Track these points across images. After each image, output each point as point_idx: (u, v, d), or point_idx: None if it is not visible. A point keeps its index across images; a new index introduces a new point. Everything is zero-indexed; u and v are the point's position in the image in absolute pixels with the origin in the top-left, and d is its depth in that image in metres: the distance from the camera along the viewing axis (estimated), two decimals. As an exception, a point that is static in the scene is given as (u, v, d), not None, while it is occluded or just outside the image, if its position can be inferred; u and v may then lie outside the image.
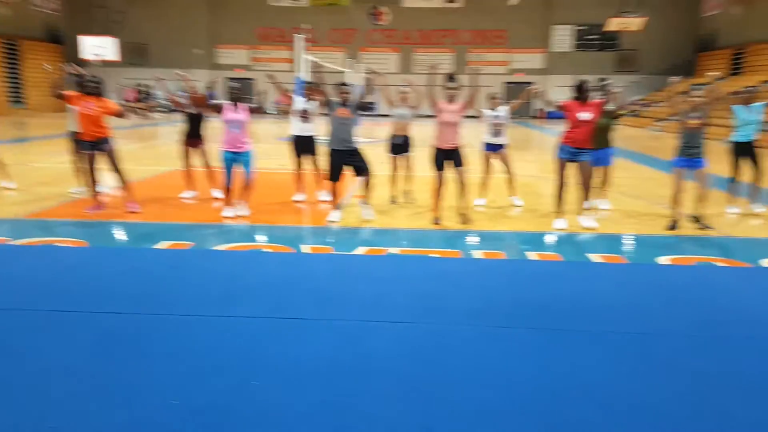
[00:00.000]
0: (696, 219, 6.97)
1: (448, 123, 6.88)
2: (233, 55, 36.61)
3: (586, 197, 6.94)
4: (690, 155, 6.78)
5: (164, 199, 8.40)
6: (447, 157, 6.98)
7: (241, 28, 35.87)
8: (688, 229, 6.97)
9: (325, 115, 7.04)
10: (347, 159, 6.96)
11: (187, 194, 8.46)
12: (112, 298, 4.33)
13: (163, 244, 6.00)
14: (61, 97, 7.23)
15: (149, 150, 15.79)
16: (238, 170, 7.16)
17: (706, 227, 6.89)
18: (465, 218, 7.13)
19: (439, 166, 7.00)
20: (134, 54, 35.75)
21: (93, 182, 7.40)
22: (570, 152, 6.75)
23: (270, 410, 2.91)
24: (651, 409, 2.96)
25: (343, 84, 7.09)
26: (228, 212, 7.23)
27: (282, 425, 2.79)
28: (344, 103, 6.92)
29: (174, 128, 23.20)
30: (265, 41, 36.29)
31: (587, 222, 6.94)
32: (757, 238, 6.82)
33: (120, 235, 6.68)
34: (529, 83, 35.62)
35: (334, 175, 7.00)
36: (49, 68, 8.01)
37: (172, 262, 5.44)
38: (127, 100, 31.64)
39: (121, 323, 3.91)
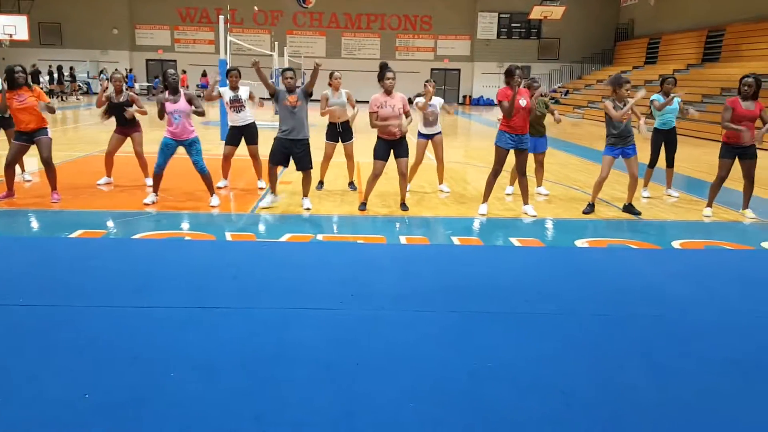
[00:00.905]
0: (628, 207, 7.24)
1: (389, 116, 6.73)
2: (154, 36, 35.34)
3: (526, 184, 7.03)
4: (624, 144, 7.02)
5: (79, 185, 8.04)
6: (391, 146, 6.89)
7: (163, 8, 34.61)
8: (602, 213, 7.27)
9: (275, 102, 6.81)
10: (293, 149, 6.79)
11: (102, 181, 8.12)
12: (20, 290, 4.13)
13: (76, 233, 5.76)
14: (6, 108, 6.86)
15: (66, 134, 15.05)
16: (191, 159, 6.98)
17: (636, 213, 7.16)
18: (405, 206, 7.13)
19: (381, 156, 6.90)
20: (47, 34, 33.96)
21: (13, 171, 7.07)
22: (514, 140, 6.77)
23: (187, 402, 2.84)
24: (562, 388, 3.07)
25: (288, 69, 6.88)
26: (149, 199, 7.00)
27: (200, 417, 2.73)
28: (291, 90, 6.71)
29: (89, 111, 22.25)
30: (187, 21, 35.19)
31: (531, 211, 7.02)
32: (670, 221, 7.15)
33: (31, 223, 6.36)
34: (455, 70, 36.04)
35: (276, 159, 6.86)
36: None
37: (85, 251, 5.23)
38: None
39: (30, 315, 3.74)
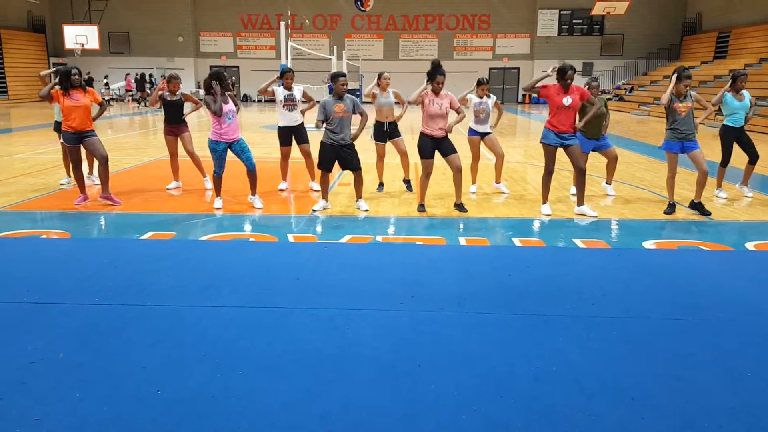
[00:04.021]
0: (696, 205, 7.02)
1: (436, 114, 6.76)
2: (217, 43, 36.30)
3: (583, 183, 6.89)
4: (683, 138, 6.82)
5: (149, 188, 8.34)
6: (436, 145, 6.88)
7: (225, 15, 35.55)
8: (673, 213, 7.03)
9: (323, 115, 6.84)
10: (341, 152, 6.87)
11: (171, 185, 8.39)
12: (96, 289, 4.31)
13: (147, 235, 5.97)
14: (48, 97, 7.07)
15: (135, 139, 15.63)
16: (241, 159, 7.09)
17: (706, 213, 6.91)
18: (461, 207, 7.09)
19: (428, 154, 6.89)
20: (116, 43, 35.37)
21: (80, 174, 7.35)
22: (559, 137, 6.69)
23: (255, 399, 2.91)
24: (632, 393, 2.99)
25: (342, 74, 6.91)
26: (218, 203, 7.18)
27: (267, 414, 2.79)
28: (341, 97, 6.76)
29: (158, 116, 23.03)
30: (249, 28, 35.99)
31: (589, 211, 6.87)
32: (743, 222, 6.86)
33: (103, 226, 6.63)
34: (514, 68, 35.60)
35: (325, 165, 6.95)
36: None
37: (155, 252, 5.42)
38: (128, 90, 31.32)
39: (105, 314, 3.90)
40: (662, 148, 7.04)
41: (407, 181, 8.28)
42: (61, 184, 8.44)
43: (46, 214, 7.01)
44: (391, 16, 35.37)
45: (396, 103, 7.88)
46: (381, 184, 8.24)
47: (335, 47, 24.71)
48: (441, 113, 6.75)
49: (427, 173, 6.99)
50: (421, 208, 7.08)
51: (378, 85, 7.82)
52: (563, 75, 6.57)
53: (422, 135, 6.91)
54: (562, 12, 34.80)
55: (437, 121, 6.78)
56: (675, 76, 6.84)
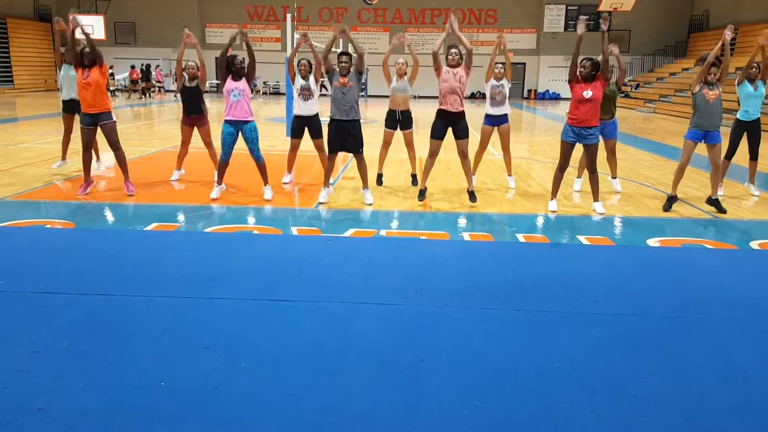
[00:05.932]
0: (713, 202, 6.98)
1: (451, 87, 6.73)
2: (223, 34, 36.22)
3: (597, 180, 6.84)
4: (707, 128, 6.77)
5: (153, 180, 8.34)
6: (451, 123, 6.84)
7: (231, 6, 35.47)
8: (677, 211, 7.01)
9: (326, 86, 6.96)
10: (347, 129, 6.84)
11: (175, 174, 8.38)
12: (99, 280, 4.32)
13: (151, 226, 5.98)
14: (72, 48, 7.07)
15: (140, 130, 15.63)
16: (248, 148, 7.09)
17: (722, 211, 6.89)
18: (472, 195, 7.09)
19: (438, 135, 6.86)
20: (122, 33, 35.34)
21: (88, 158, 7.32)
22: (576, 133, 6.61)
23: (257, 391, 2.92)
24: (633, 390, 2.99)
25: (344, 53, 6.97)
26: (215, 193, 7.19)
27: (269, 406, 2.80)
28: (345, 73, 6.84)
29: (163, 108, 23.03)
30: (255, 20, 35.91)
31: (600, 208, 6.83)
32: (747, 220, 6.83)
33: (107, 217, 6.64)
34: (520, 64, 35.39)
35: (332, 145, 6.92)
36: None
37: (159, 243, 5.43)
38: (133, 80, 31.10)
39: (109, 305, 3.91)
40: (686, 136, 6.93)
41: (413, 176, 8.25)
42: (55, 168, 8.42)
43: (51, 203, 7.02)
44: (397, 10, 35.24)
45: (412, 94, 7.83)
46: (380, 176, 8.16)
47: (341, 40, 24.66)
48: (455, 85, 6.71)
49: (431, 152, 6.93)
50: (421, 196, 7.06)
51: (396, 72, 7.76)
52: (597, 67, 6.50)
53: (438, 113, 6.88)
54: (568, 7, 34.61)
55: (452, 94, 6.75)
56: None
